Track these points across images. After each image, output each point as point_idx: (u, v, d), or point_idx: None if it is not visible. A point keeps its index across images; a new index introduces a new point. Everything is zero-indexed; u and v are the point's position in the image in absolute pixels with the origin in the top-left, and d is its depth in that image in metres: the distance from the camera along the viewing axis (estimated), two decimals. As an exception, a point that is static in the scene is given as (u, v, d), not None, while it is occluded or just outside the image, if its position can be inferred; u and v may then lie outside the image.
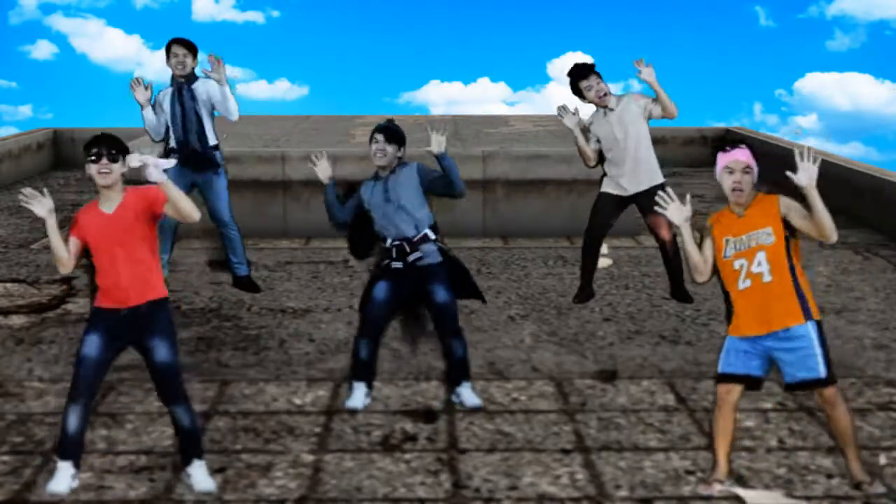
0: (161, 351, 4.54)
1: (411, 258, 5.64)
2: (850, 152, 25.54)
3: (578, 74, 7.38)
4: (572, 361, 6.51)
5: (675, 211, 4.65)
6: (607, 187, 7.57)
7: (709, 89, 29.85)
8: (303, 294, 8.16)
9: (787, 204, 4.43)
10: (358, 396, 5.68)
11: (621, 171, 7.44)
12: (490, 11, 30.65)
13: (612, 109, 7.39)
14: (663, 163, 7.70)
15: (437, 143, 5.61)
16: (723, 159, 4.52)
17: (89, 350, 4.52)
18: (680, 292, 7.73)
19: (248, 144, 10.80)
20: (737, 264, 4.47)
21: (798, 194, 4.39)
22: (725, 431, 4.60)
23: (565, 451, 5.10)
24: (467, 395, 5.72)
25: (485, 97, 27.71)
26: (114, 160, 4.51)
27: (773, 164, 6.38)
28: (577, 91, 7.43)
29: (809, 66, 35.24)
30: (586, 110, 7.58)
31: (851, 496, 4.58)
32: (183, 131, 7.72)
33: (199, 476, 4.64)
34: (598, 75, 7.37)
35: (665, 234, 7.49)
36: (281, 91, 28.46)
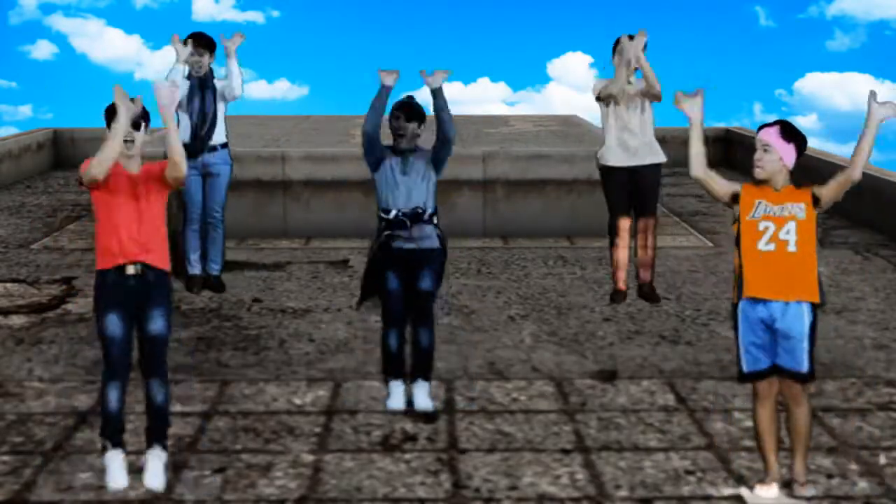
0: (158, 321, 4.58)
1: (417, 233, 5.50)
2: (850, 152, 25.46)
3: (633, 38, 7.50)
4: (572, 361, 6.51)
5: (691, 105, 4.55)
6: (612, 159, 7.61)
7: (709, 89, 29.80)
8: (303, 294, 8.16)
9: (818, 188, 4.41)
10: (397, 398, 5.61)
11: (626, 141, 7.55)
12: (490, 11, 30.66)
13: (630, 83, 7.55)
14: (664, 163, 7.75)
15: (435, 80, 5.59)
16: (756, 135, 4.49)
17: (113, 330, 4.54)
18: (647, 293, 7.79)
19: (248, 144, 10.80)
20: (762, 225, 4.40)
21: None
22: (773, 429, 4.53)
23: (565, 451, 5.10)
24: (421, 398, 5.56)
25: (485, 97, 27.72)
26: (136, 128, 4.54)
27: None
28: (615, 48, 7.55)
29: (809, 66, 35.26)
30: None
31: (852, 496, 4.58)
32: (200, 125, 7.83)
33: (154, 468, 4.60)
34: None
35: (649, 236, 7.68)
36: (281, 91, 28.47)
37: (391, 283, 5.58)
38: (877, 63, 31.18)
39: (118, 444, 4.65)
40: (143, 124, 4.59)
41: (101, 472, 4.77)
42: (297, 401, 5.82)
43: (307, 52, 31.19)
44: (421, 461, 4.98)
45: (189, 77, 7.85)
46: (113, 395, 4.60)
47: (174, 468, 4.86)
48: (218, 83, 7.98)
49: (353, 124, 13.10)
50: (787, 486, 4.61)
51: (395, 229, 5.53)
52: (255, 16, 28.97)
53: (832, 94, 27.52)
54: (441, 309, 5.88)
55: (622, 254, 7.71)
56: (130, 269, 4.54)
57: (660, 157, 7.65)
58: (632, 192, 7.64)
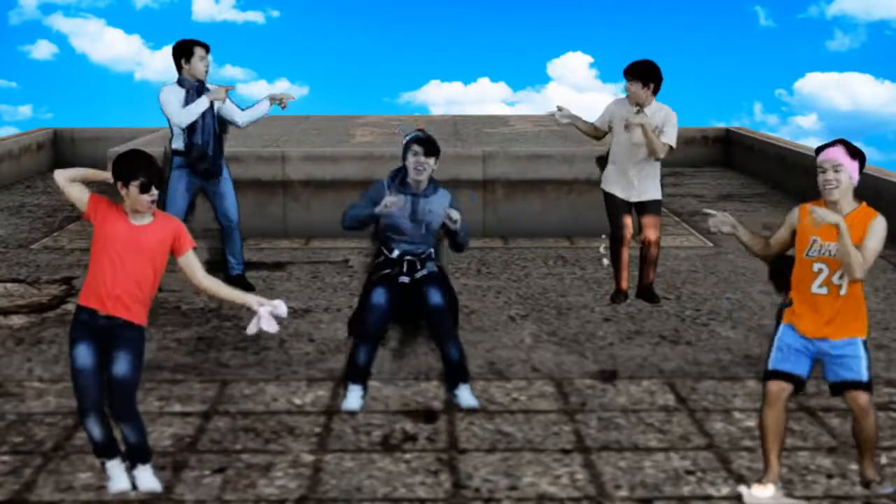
0: (121, 364, 4.46)
1: (419, 275, 5.64)
2: (850, 152, 25.41)
3: (635, 72, 7.42)
4: (572, 361, 6.51)
5: (719, 222, 4.61)
6: (612, 188, 7.60)
7: (709, 89, 29.85)
8: (303, 294, 8.16)
9: (875, 228, 4.38)
10: (354, 398, 5.67)
11: (627, 174, 7.50)
12: (490, 11, 30.67)
13: (643, 110, 7.44)
14: (664, 163, 7.73)
15: (453, 216, 5.53)
16: (818, 159, 4.44)
17: (82, 361, 4.49)
18: (647, 293, 7.76)
19: (248, 144, 10.80)
20: (816, 267, 4.41)
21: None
22: (777, 431, 4.53)
23: (565, 451, 5.10)
24: (464, 396, 5.72)
25: (485, 97, 27.73)
26: (158, 188, 4.47)
27: (774, 164, 6.38)
28: (629, 74, 7.50)
29: (809, 66, 35.25)
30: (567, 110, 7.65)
31: (852, 496, 4.58)
32: (202, 135, 7.75)
33: (144, 477, 4.63)
34: (649, 88, 7.39)
35: (652, 234, 7.56)
36: (281, 91, 28.42)
37: (377, 297, 5.62)
38: (877, 63, 31.22)
39: (114, 455, 4.63)
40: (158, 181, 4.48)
41: (102, 472, 4.78)
42: (297, 401, 5.82)
43: (307, 52, 31.21)
44: (421, 461, 4.98)
45: (182, 83, 7.78)
46: (94, 427, 4.54)
47: (174, 468, 4.86)
48: (213, 88, 7.86)
49: (353, 124, 13.11)
50: (786, 485, 4.62)
51: (394, 268, 5.63)
52: (255, 16, 29.00)
53: (832, 94, 27.53)
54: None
55: (623, 253, 7.71)
56: (101, 318, 4.48)
57: (657, 195, 7.58)
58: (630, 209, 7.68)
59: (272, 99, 8.01)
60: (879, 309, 7.71)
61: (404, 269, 5.64)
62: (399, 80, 33.46)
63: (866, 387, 4.46)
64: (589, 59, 27.96)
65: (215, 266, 8.57)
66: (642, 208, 7.59)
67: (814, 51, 29.55)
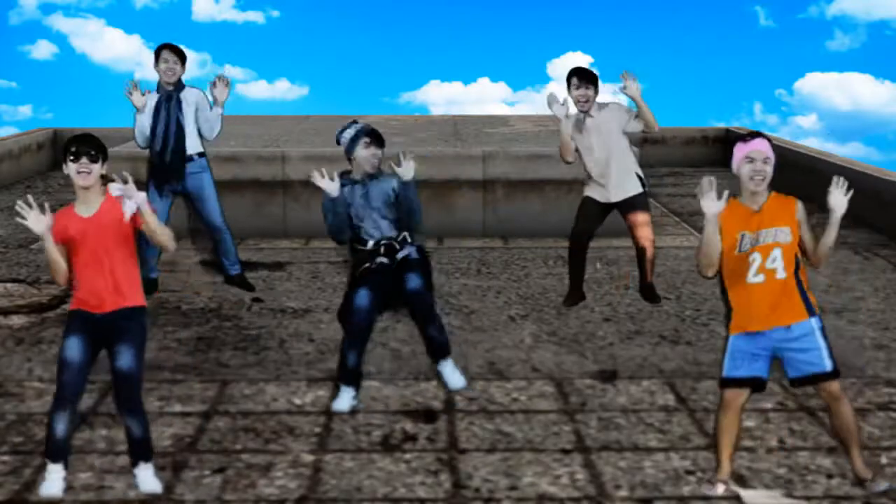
0: (124, 357, 4.43)
1: (400, 255, 5.72)
2: (850, 152, 25.54)
3: (576, 73, 7.37)
4: (572, 361, 6.51)
5: (711, 203, 4.48)
6: (591, 192, 7.55)
7: (709, 89, 29.86)
8: (303, 294, 8.16)
9: (802, 211, 4.45)
10: (345, 399, 5.68)
11: (601, 179, 7.45)
12: (490, 11, 30.66)
13: (590, 116, 7.38)
14: (663, 162, 7.70)
15: (408, 170, 5.61)
16: (743, 149, 4.50)
17: (71, 354, 4.46)
18: (648, 292, 7.74)
19: (248, 144, 10.81)
20: (751, 258, 4.44)
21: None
22: (731, 434, 4.57)
23: (565, 451, 5.10)
24: (449, 373, 5.79)
25: (485, 97, 27.72)
26: (94, 160, 4.44)
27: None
28: (568, 85, 7.43)
29: (809, 66, 35.25)
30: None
31: (852, 496, 4.58)
32: (163, 141, 7.68)
33: (145, 477, 4.61)
34: (594, 86, 7.33)
35: (643, 233, 7.47)
36: (281, 91, 28.47)
37: (361, 299, 5.67)
38: (877, 63, 31.21)
39: (64, 461, 4.57)
40: (100, 157, 4.46)
41: (102, 472, 4.78)
42: (297, 401, 5.82)
43: (307, 52, 31.21)
44: (421, 461, 4.98)
45: (158, 89, 7.74)
46: (60, 423, 4.47)
47: (174, 468, 4.86)
48: (191, 94, 7.78)
49: (353, 124, 13.11)
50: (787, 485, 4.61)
51: (373, 259, 5.71)
52: (255, 16, 28.98)
53: (832, 94, 27.52)
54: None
55: (578, 257, 7.67)
56: (98, 316, 4.47)
57: (639, 187, 7.45)
58: (607, 214, 7.59)
59: (216, 93, 7.79)
60: (879, 309, 7.71)
61: (381, 252, 5.72)
62: (399, 80, 33.47)
63: (833, 375, 4.46)
64: (589, 59, 27.94)
65: (212, 266, 8.59)
66: (629, 207, 7.48)
67: (814, 51, 29.56)
